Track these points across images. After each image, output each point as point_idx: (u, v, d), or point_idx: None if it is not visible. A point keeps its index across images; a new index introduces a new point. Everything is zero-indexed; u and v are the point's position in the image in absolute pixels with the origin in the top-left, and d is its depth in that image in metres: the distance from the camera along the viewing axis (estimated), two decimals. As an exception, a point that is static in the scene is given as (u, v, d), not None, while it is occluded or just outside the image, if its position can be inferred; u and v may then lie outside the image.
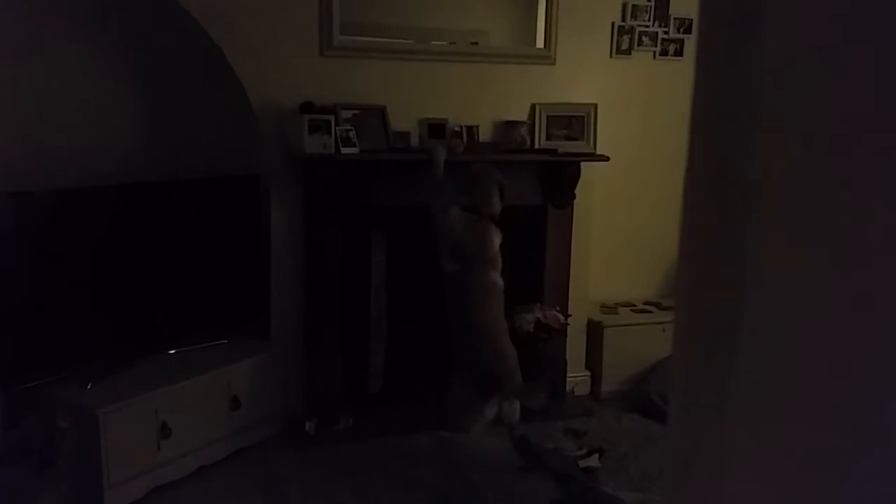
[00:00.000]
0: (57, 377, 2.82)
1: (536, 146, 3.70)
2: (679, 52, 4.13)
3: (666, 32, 4.10)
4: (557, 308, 3.79)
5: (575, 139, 3.76)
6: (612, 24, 3.96)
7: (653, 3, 4.04)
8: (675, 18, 4.08)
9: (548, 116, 3.73)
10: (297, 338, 3.54)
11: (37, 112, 2.95)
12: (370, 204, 3.53)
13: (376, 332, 3.80)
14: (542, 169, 3.72)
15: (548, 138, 3.73)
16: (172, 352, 3.21)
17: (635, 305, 4.25)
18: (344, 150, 3.24)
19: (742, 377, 0.59)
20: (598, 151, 3.75)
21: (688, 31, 4.11)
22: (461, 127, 3.55)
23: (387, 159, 3.44)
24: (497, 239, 3.20)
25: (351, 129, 3.29)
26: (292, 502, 2.79)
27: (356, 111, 3.40)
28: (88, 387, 2.85)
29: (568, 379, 3.94)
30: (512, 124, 3.67)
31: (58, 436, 2.67)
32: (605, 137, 3.78)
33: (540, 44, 3.74)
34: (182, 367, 3.09)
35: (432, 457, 2.91)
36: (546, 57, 3.71)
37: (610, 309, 4.17)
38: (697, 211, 0.65)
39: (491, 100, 3.66)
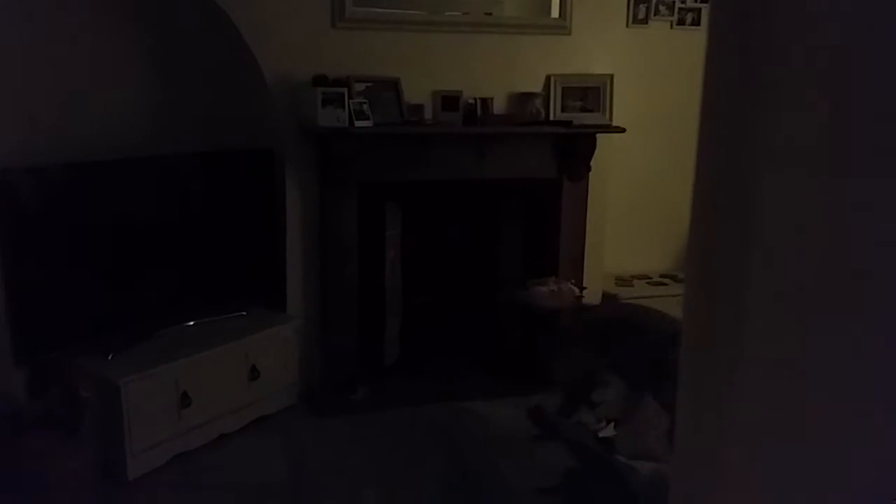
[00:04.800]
0: (78, 348, 2.88)
1: (551, 118, 3.68)
2: (696, 22, 4.07)
3: (683, 1, 4.03)
4: (572, 281, 3.79)
5: (590, 111, 3.73)
6: (629, -8, 3.90)
7: (670, -29, 3.97)
8: (692, -14, 4.02)
9: (563, 88, 3.70)
10: (314, 310, 3.58)
11: (49, 86, 2.96)
12: (384, 177, 3.53)
13: (391, 304, 3.83)
14: (558, 141, 3.70)
15: (563, 110, 3.70)
16: (191, 324, 3.26)
17: (651, 278, 4.24)
18: (358, 124, 3.24)
19: (752, 338, 0.60)
20: (614, 123, 3.72)
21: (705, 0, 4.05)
22: (475, 99, 3.52)
23: (401, 132, 3.43)
24: None
25: (364, 102, 3.28)
26: (310, 469, 2.85)
27: (369, 84, 3.39)
28: (109, 358, 2.91)
29: (582, 351, 3.95)
30: (527, 96, 3.64)
31: (80, 405, 2.73)
32: (621, 109, 3.75)
33: (555, 13, 3.69)
34: (201, 338, 3.14)
35: (447, 426, 2.95)
36: (561, 27, 3.67)
37: (625, 282, 4.17)
38: (709, 183, 0.65)
39: (505, 71, 3.63)
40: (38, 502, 2.45)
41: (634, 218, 4.17)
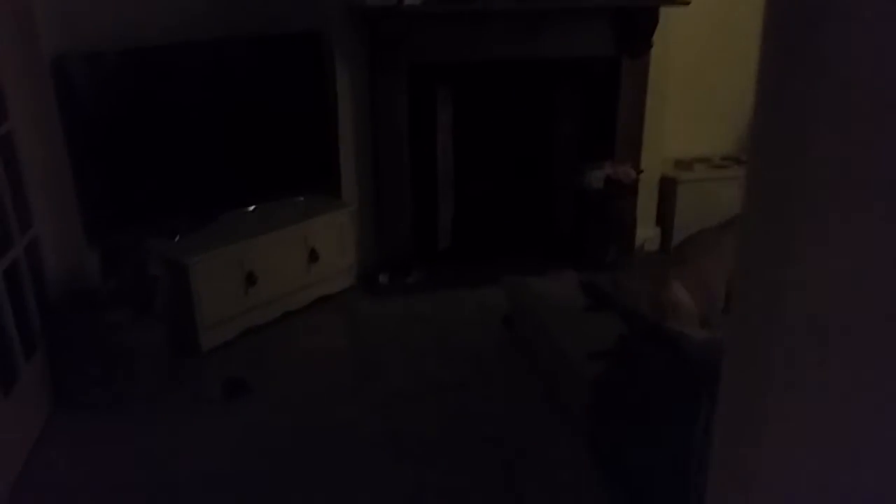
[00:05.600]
0: (147, 231, 3.01)
1: (610, -9, 3.49)
2: None
3: None
4: (630, 164, 3.72)
5: (652, -18, 3.51)
6: None
7: None
8: None
9: (623, -43, 3.48)
10: (368, 196, 3.62)
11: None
12: (435, 59, 3.45)
13: (444, 189, 3.84)
14: (617, 16, 3.52)
15: (623, -18, 3.50)
16: (252, 208, 3.35)
17: (712, 160, 4.11)
18: (407, 1, 3.15)
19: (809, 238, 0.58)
20: (678, -5, 3.51)
21: None
22: (530, -28, 3.36)
23: (451, 10, 3.32)
24: None
25: (414, -22, 3.17)
26: (371, 343, 2.97)
27: (419, -42, 3.26)
28: (176, 239, 3.04)
29: (638, 236, 3.92)
30: (584, -33, 3.45)
31: (152, 283, 2.88)
32: (686, -21, 3.52)
33: None
34: (262, 222, 3.24)
35: (501, 301, 3.00)
36: None
37: (685, 164, 4.05)
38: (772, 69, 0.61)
39: (562, -59, 3.42)
40: (119, 371, 2.65)
41: (696, 98, 3.99)
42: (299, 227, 3.27)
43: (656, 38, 3.57)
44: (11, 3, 2.50)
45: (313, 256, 3.33)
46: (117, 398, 2.64)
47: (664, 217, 4.03)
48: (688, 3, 3.47)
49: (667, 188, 3.98)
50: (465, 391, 2.65)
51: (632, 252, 3.86)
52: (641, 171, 3.74)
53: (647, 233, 4.00)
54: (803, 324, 0.60)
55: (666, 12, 3.52)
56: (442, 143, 3.76)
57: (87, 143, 2.82)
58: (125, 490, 2.21)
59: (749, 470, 0.66)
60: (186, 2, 3.19)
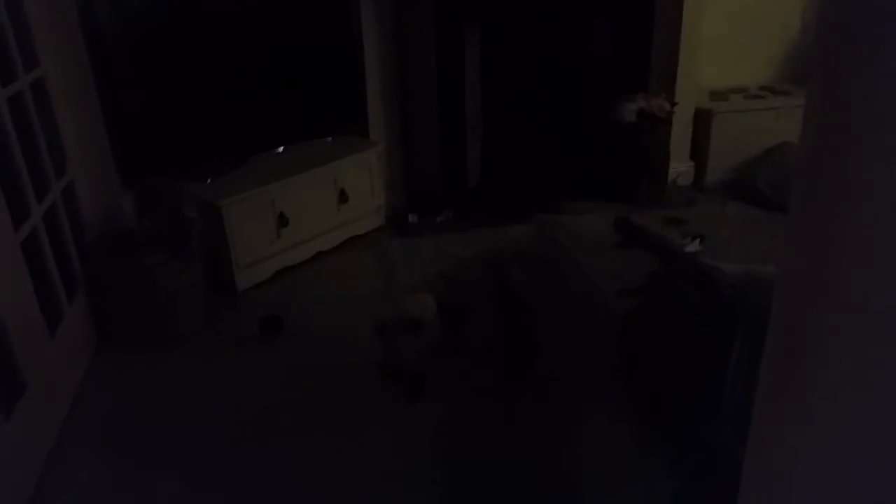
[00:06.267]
0: (179, 173, 3.04)
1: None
2: None
3: None
4: (663, 96, 3.62)
5: None
6: None
7: None
8: None
9: None
10: (396, 135, 3.59)
11: None
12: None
13: (472, 127, 3.79)
14: (651, -61, 3.38)
15: None
16: (281, 150, 3.35)
17: (748, 91, 3.99)
18: (433, -70, 3.04)
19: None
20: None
21: None
22: None
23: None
24: None
25: None
26: (402, 281, 3.00)
27: None
28: (208, 181, 3.06)
29: (671, 169, 3.85)
30: None
31: (186, 225, 2.92)
32: None
33: None
34: (292, 163, 3.24)
35: (531, 238, 3.00)
36: None
37: (720, 95, 3.93)
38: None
39: None
40: (158, 310, 2.72)
41: (734, 26, 3.84)
42: (329, 168, 3.27)
43: (693, -38, 3.43)
44: (33, -57, 2.47)
45: (343, 197, 3.33)
46: (157, 337, 2.72)
47: (698, 150, 3.94)
48: (727, -76, 3.31)
49: (701, 120, 3.88)
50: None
51: (665, 187, 3.80)
52: (676, 104, 3.64)
53: (680, 167, 3.92)
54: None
55: (703, -66, 3.36)
56: (470, 79, 3.69)
57: (117, 86, 2.82)
58: (171, 423, 2.30)
59: (796, 407, 0.65)
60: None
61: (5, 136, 2.22)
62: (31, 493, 2.03)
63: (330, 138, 3.49)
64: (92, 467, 2.14)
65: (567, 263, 2.28)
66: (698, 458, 1.57)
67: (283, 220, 3.09)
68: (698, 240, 3.11)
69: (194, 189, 3.01)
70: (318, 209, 3.25)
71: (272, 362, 2.58)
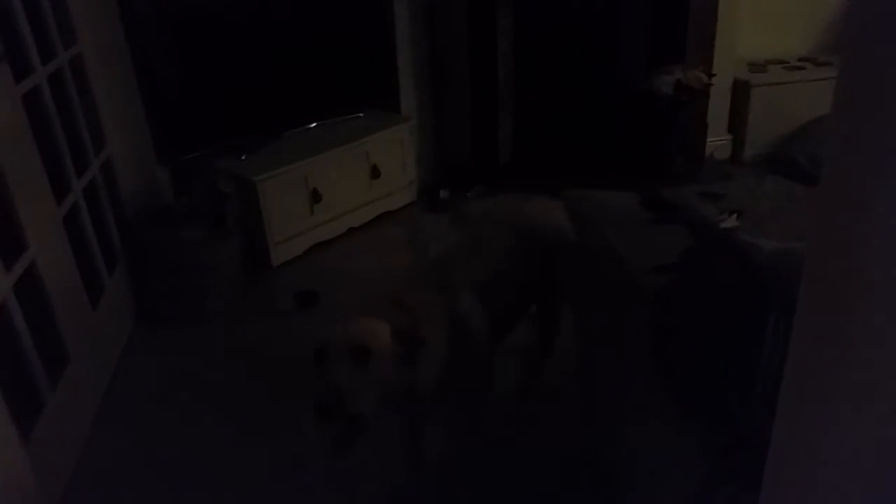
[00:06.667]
0: (214, 150, 3.07)
1: None
2: None
3: None
4: (700, 68, 3.54)
5: None
6: None
7: None
8: None
9: None
10: (427, 109, 3.58)
11: None
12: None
13: (504, 100, 3.75)
14: None
15: None
16: (313, 126, 3.36)
17: (788, 62, 3.88)
18: None
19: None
20: None
21: None
22: None
23: None
24: None
25: None
26: (433, 253, 3.01)
27: None
28: (242, 158, 3.09)
29: (708, 143, 3.78)
30: None
31: (222, 201, 2.96)
32: None
33: None
34: (324, 139, 3.26)
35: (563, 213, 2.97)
36: None
37: (759, 67, 3.84)
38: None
39: None
40: (196, 284, 2.77)
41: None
42: (361, 144, 3.28)
43: (732, -72, 3.33)
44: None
45: (375, 172, 3.35)
46: (194, 310, 2.78)
47: (736, 123, 3.86)
48: None
49: (740, 92, 3.79)
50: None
51: (701, 161, 3.73)
52: (713, 76, 3.56)
53: (717, 140, 3.85)
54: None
55: None
56: (502, 49, 3.65)
57: (153, 63, 2.86)
58: (210, 392, 2.36)
59: (827, 382, 0.65)
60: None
61: (47, 112, 2.27)
62: (78, 456, 2.11)
63: (362, 114, 3.49)
64: (135, 431, 2.21)
65: (596, 240, 2.25)
66: (730, 436, 1.57)
67: (316, 196, 3.11)
68: (735, 215, 3.05)
69: (229, 165, 3.05)
70: (350, 185, 3.27)
71: (306, 335, 2.62)
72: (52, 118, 2.29)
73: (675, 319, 1.91)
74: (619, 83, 3.83)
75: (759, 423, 1.38)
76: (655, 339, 1.98)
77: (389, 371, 1.45)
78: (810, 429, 0.67)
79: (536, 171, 3.76)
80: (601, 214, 2.38)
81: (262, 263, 3.05)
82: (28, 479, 1.40)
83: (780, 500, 0.75)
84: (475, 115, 3.61)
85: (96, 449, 2.16)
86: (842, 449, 0.65)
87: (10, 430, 1.34)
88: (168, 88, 2.92)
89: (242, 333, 2.68)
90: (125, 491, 2.01)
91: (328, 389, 1.39)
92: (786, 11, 3.80)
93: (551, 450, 2.05)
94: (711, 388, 1.66)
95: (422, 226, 3.37)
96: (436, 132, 3.63)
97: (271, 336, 2.64)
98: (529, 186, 3.60)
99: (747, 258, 1.77)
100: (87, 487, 2.02)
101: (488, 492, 1.91)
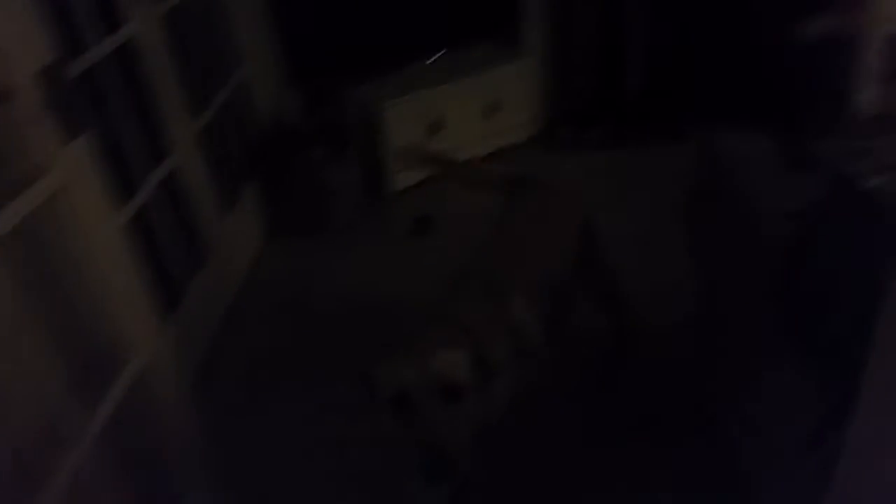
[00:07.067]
0: (341, 77, 3.15)
1: None
2: None
3: None
4: (856, 11, 3.24)
5: None
6: None
7: None
8: None
9: None
10: (552, 45, 3.49)
11: None
12: None
13: (633, 36, 3.58)
14: None
15: None
16: (436, 57, 3.35)
17: (963, 8, 3.48)
18: None
19: None
20: None
21: None
22: None
23: None
24: None
25: None
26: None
27: None
28: (367, 85, 3.16)
29: (859, 94, 3.48)
30: None
31: (348, 125, 3.06)
32: None
33: None
34: (447, 71, 3.25)
35: (691, 159, 2.85)
36: None
37: (926, 12, 3.47)
38: None
39: None
40: (320, 202, 2.92)
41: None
42: (481, 77, 3.27)
43: None
44: None
45: (495, 106, 3.33)
46: (321, 227, 2.93)
47: (889, 75, 3.53)
48: None
49: (894, 41, 3.45)
50: (643, 245, 2.62)
51: (849, 114, 3.45)
52: (869, 21, 3.26)
53: (866, 93, 3.54)
54: None
55: None
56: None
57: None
58: (336, 299, 2.54)
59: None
60: None
61: (186, 32, 2.41)
62: (205, 356, 2.31)
63: (485, 47, 3.45)
64: (266, 330, 2.40)
65: (725, 182, 2.16)
66: (851, 383, 1.50)
67: (435, 128, 3.15)
68: (883, 172, 2.84)
69: (355, 91, 3.12)
70: (469, 117, 3.28)
71: (424, 256, 2.73)
72: (190, 38, 2.43)
73: (805, 271, 1.82)
74: (763, 22, 3.57)
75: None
76: (783, 290, 1.90)
77: (477, 406, 1.25)
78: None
79: (664, 114, 3.61)
80: (733, 157, 2.26)
81: (383, 188, 3.15)
82: (168, 361, 1.56)
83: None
84: (601, 53, 3.48)
85: (223, 345, 2.35)
86: None
87: (153, 319, 1.49)
88: (301, 15, 3.00)
89: (361, 251, 2.83)
90: (251, 381, 2.19)
91: (431, 446, 1.16)
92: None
93: (660, 400, 2.03)
94: (840, 336, 1.59)
95: (538, 164, 3.33)
96: (559, 67, 3.54)
97: (391, 256, 2.77)
98: (655, 129, 3.48)
99: (881, 210, 1.65)
100: (217, 377, 2.22)
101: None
